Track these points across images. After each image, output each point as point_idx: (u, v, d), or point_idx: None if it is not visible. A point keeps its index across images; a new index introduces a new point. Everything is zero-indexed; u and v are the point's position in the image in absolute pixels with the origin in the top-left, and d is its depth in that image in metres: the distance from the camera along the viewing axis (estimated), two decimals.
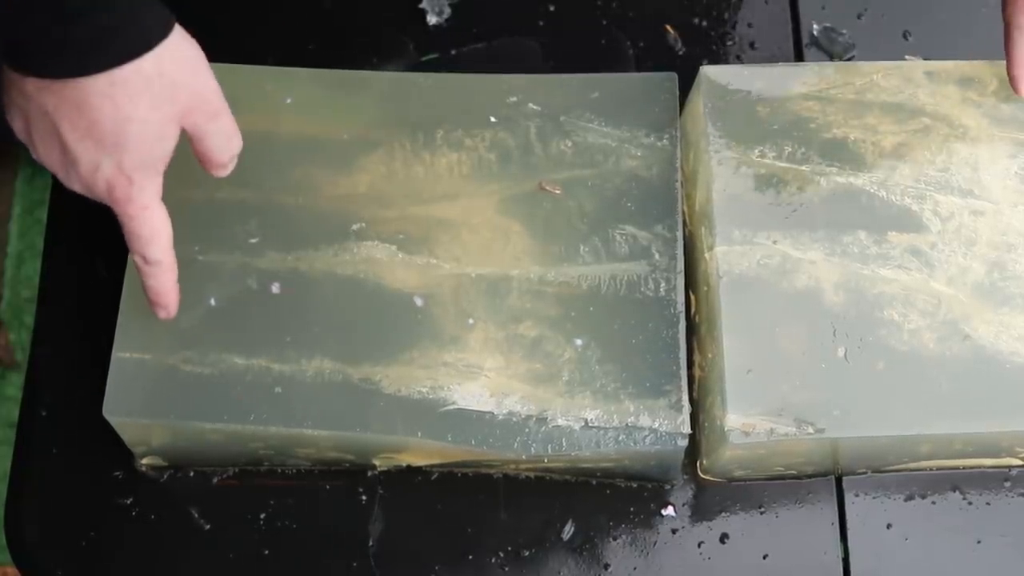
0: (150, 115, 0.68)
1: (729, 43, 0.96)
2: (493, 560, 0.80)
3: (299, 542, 0.80)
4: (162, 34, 0.67)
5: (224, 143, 0.73)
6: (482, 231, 0.82)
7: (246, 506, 0.81)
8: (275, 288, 0.80)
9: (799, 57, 0.95)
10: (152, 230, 0.71)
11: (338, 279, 0.80)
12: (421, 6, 0.96)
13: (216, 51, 0.87)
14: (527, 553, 0.80)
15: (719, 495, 0.82)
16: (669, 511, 0.82)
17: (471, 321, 0.79)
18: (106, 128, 0.67)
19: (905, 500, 0.82)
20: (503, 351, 0.78)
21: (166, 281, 0.74)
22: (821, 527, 0.81)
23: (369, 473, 0.81)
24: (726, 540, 0.81)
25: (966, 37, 0.95)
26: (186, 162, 0.83)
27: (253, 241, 0.81)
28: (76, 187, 0.70)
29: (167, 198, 0.82)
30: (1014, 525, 0.82)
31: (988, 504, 0.82)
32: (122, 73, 0.66)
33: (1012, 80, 0.83)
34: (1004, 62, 0.84)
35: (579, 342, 0.79)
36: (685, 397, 0.77)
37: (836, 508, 0.82)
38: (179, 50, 0.68)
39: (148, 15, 0.67)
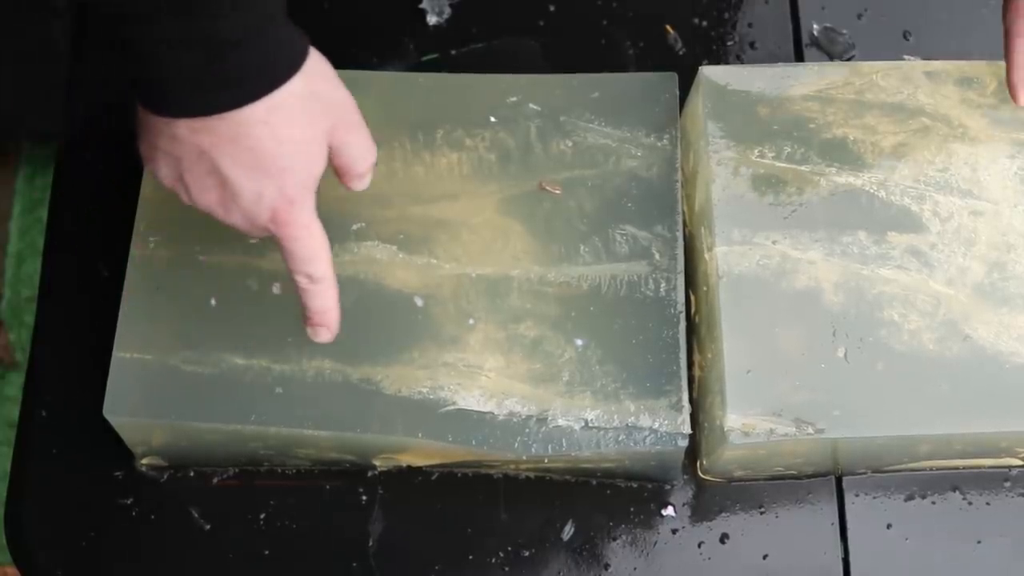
0: (306, 134, 0.68)
1: (729, 43, 0.96)
2: (493, 560, 0.80)
3: (299, 542, 0.80)
4: (305, 53, 0.67)
5: (363, 154, 0.73)
6: (482, 231, 0.82)
7: (246, 506, 0.81)
8: (276, 288, 0.80)
9: (799, 57, 0.95)
10: (315, 248, 0.71)
11: (338, 279, 0.80)
12: (421, 6, 0.96)
13: None
14: (527, 553, 0.80)
15: (719, 495, 0.82)
16: (669, 511, 0.82)
17: (471, 321, 0.79)
18: (268, 155, 0.66)
19: (905, 500, 0.82)
20: (503, 351, 0.78)
21: (329, 299, 0.74)
22: (821, 527, 0.81)
23: (369, 473, 0.81)
24: (726, 540, 0.81)
25: (966, 37, 0.95)
26: None
27: (253, 241, 0.81)
28: (236, 221, 0.70)
29: (168, 198, 0.82)
30: (1014, 525, 0.82)
31: (988, 504, 0.82)
32: (278, 97, 0.65)
33: (1011, 87, 0.82)
34: (1004, 63, 0.84)
35: (579, 342, 0.79)
36: (685, 397, 0.77)
37: (836, 508, 0.82)
38: (319, 66, 0.68)
39: (291, 37, 0.66)
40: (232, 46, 0.63)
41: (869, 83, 0.86)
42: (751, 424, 0.76)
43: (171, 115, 0.66)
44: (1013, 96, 0.82)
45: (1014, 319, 0.79)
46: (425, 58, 0.94)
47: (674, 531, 0.81)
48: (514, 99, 0.86)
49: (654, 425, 0.77)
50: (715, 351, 0.79)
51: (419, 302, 0.80)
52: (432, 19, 0.96)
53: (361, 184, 0.74)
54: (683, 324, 0.79)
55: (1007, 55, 0.82)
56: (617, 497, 0.82)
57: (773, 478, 0.82)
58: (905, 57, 0.93)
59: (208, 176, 0.68)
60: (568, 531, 0.81)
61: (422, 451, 0.79)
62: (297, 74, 0.66)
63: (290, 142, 0.67)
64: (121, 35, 0.64)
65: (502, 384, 0.78)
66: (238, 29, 0.63)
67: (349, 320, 0.79)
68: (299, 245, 0.71)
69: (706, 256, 0.82)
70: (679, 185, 0.83)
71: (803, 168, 0.83)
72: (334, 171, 0.73)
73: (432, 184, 0.83)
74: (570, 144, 0.84)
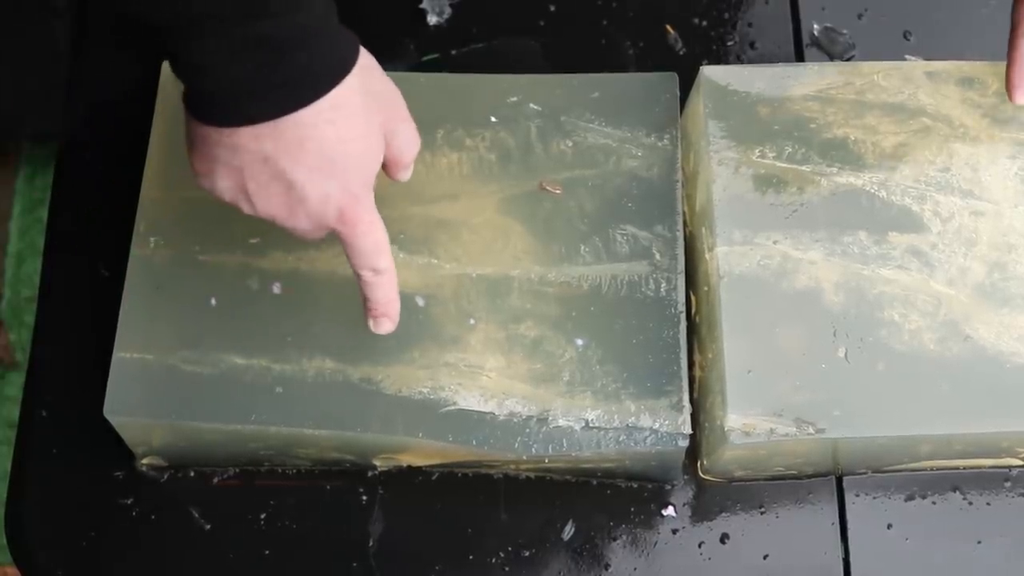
0: (366, 129, 0.67)
1: (729, 43, 0.96)
2: (493, 560, 0.80)
3: (299, 542, 0.80)
4: (357, 49, 0.67)
5: (410, 144, 0.73)
6: (483, 231, 0.82)
7: (246, 506, 0.81)
8: (276, 288, 0.80)
9: (799, 57, 0.95)
10: (378, 241, 0.71)
11: (339, 279, 0.80)
12: (421, 6, 0.96)
13: None
14: (527, 553, 0.80)
15: (719, 495, 0.82)
16: (669, 511, 0.82)
17: (472, 321, 0.79)
18: (332, 153, 0.66)
19: (905, 500, 0.82)
20: (504, 351, 0.78)
21: (391, 289, 0.74)
22: (821, 527, 0.81)
23: (369, 473, 0.81)
24: (726, 540, 0.81)
25: (966, 37, 0.95)
26: (186, 162, 0.83)
27: (254, 241, 0.81)
28: (302, 224, 0.69)
29: (168, 198, 0.83)
30: (1014, 525, 0.82)
31: (988, 504, 0.82)
32: (338, 95, 0.65)
33: (1009, 83, 0.82)
34: (1005, 63, 0.84)
35: (580, 342, 0.79)
36: (686, 397, 0.77)
37: (836, 508, 0.82)
38: (368, 61, 0.68)
39: (344, 33, 0.66)
40: (294, 46, 0.63)
41: (870, 83, 0.86)
42: (751, 424, 0.76)
43: (233, 124, 0.65)
44: (1010, 93, 0.82)
45: (1015, 319, 0.79)
46: (425, 58, 0.94)
47: (674, 531, 0.81)
48: (514, 99, 0.86)
49: (654, 425, 0.77)
50: (716, 351, 0.79)
51: (420, 302, 0.80)
52: (432, 19, 0.96)
53: (406, 175, 0.74)
54: (683, 324, 0.79)
55: (1010, 52, 0.82)
56: (617, 497, 0.82)
57: (773, 478, 0.82)
58: (906, 57, 0.93)
59: (272, 183, 0.67)
60: (568, 531, 0.81)
61: (422, 451, 0.79)
62: (353, 69, 0.66)
63: (353, 139, 0.67)
64: (176, 47, 0.63)
65: (502, 384, 0.78)
66: (299, 29, 0.63)
67: (350, 320, 0.79)
68: (364, 240, 0.70)
69: (707, 256, 0.82)
70: (679, 185, 0.83)
71: (804, 168, 0.83)
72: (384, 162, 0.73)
73: (432, 184, 0.83)
74: (570, 144, 0.84)
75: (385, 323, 0.75)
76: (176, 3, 0.61)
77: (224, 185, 0.68)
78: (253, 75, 0.63)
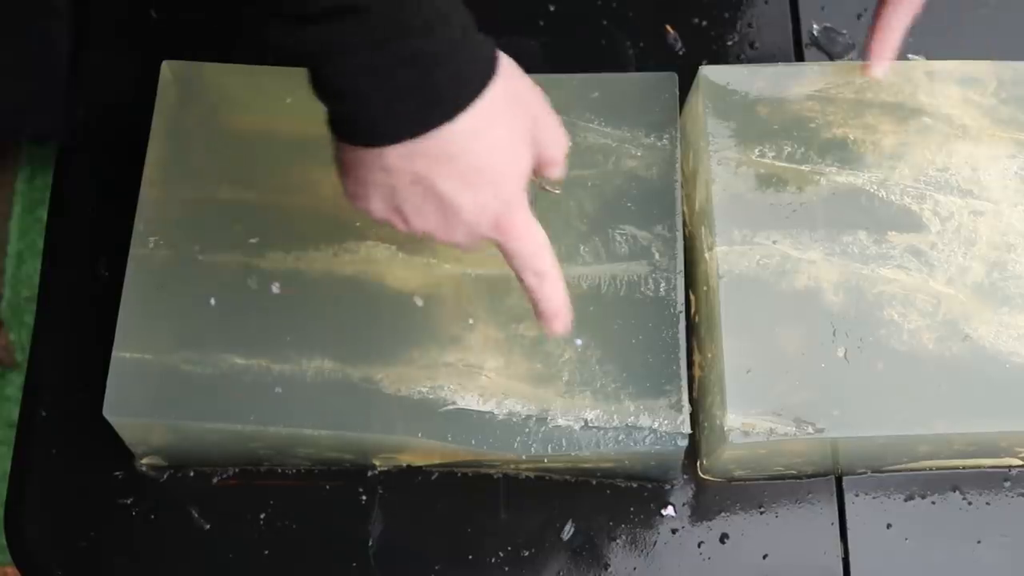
0: (512, 134, 0.66)
1: (729, 43, 0.96)
2: (493, 560, 0.80)
3: (299, 542, 0.80)
4: (497, 55, 0.66)
5: (559, 142, 0.71)
6: None
7: (246, 506, 0.81)
8: (275, 288, 0.80)
9: (799, 57, 0.95)
10: (538, 244, 0.69)
11: (338, 279, 0.80)
12: None
13: (217, 50, 0.87)
14: (527, 553, 0.80)
15: (719, 495, 0.82)
16: (669, 511, 0.82)
17: (471, 321, 0.79)
18: (483, 164, 0.65)
19: (905, 500, 0.82)
20: (503, 351, 0.78)
21: (559, 289, 0.71)
22: (821, 527, 0.81)
23: (369, 473, 0.81)
24: (726, 540, 0.81)
25: (966, 37, 0.95)
26: (186, 162, 0.83)
27: (253, 241, 0.81)
28: (458, 238, 0.68)
29: (166, 197, 0.83)
30: (1014, 525, 0.82)
31: (988, 504, 0.82)
32: (482, 105, 0.64)
33: (869, 54, 0.80)
34: (1004, 63, 0.84)
35: (579, 342, 0.79)
36: (685, 397, 0.77)
37: (836, 508, 0.82)
38: (508, 65, 0.67)
39: (484, 41, 0.65)
40: (433, 62, 0.62)
41: (869, 83, 0.86)
42: (751, 424, 0.76)
43: (381, 144, 0.64)
44: (868, 66, 0.80)
45: (1014, 319, 0.79)
46: None
47: (674, 531, 0.81)
48: None
49: (654, 425, 0.77)
50: (715, 351, 0.79)
51: (419, 302, 0.80)
52: None
53: (560, 171, 0.73)
54: (683, 324, 0.79)
55: (876, 19, 0.80)
56: (617, 497, 0.82)
57: (773, 478, 0.82)
58: (906, 57, 0.93)
59: (426, 200, 0.66)
60: (568, 531, 0.81)
61: (422, 451, 0.79)
62: (494, 77, 0.65)
63: (501, 147, 0.66)
64: (316, 72, 0.62)
65: (502, 384, 0.78)
66: (442, 43, 0.62)
67: (349, 320, 0.79)
68: (522, 245, 0.69)
69: (706, 256, 0.82)
70: (679, 185, 0.83)
71: (803, 168, 0.83)
72: (535, 163, 0.71)
73: None
74: (570, 144, 0.84)
75: (556, 324, 0.72)
76: (316, 29, 0.60)
77: (376, 206, 0.67)
78: (395, 95, 0.62)
